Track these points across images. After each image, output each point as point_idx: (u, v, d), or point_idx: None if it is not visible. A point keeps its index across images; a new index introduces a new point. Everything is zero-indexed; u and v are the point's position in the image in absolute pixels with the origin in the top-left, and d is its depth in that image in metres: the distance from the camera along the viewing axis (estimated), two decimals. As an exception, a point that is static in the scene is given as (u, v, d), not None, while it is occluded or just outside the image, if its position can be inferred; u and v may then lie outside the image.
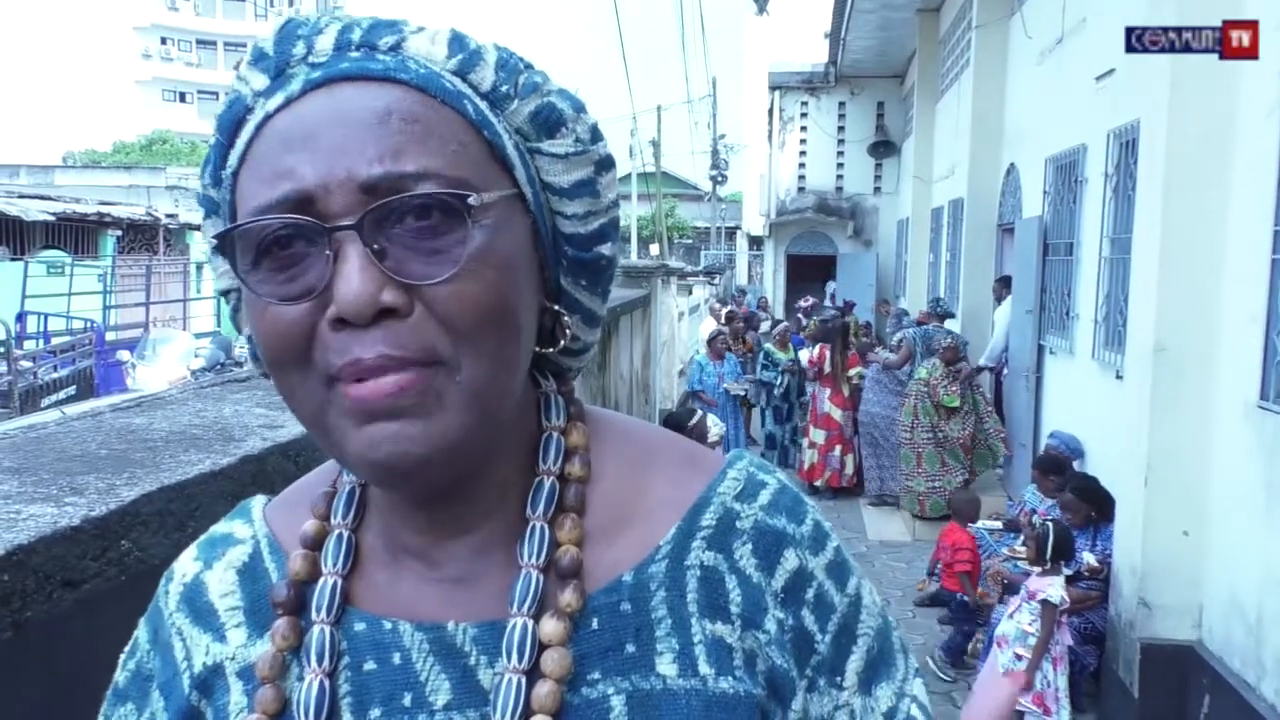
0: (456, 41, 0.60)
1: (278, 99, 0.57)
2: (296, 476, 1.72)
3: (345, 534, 0.67)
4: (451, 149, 0.56)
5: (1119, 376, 5.34)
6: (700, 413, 6.63)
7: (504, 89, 0.60)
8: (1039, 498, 6.02)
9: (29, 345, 14.70)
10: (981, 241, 9.64)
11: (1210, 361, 4.32)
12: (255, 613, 0.67)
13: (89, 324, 16.05)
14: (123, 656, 0.72)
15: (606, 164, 0.65)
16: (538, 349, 0.65)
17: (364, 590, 0.65)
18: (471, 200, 0.55)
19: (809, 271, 19.52)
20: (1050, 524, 4.81)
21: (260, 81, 0.59)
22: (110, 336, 16.45)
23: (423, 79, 0.57)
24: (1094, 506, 5.20)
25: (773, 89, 19.41)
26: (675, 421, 7.02)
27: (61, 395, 12.51)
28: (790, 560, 0.65)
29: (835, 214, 18.88)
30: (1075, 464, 6.09)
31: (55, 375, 13.21)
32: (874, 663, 0.68)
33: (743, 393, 9.94)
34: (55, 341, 15.11)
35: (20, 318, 15.08)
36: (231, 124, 0.60)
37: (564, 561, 0.62)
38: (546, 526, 0.63)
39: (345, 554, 0.66)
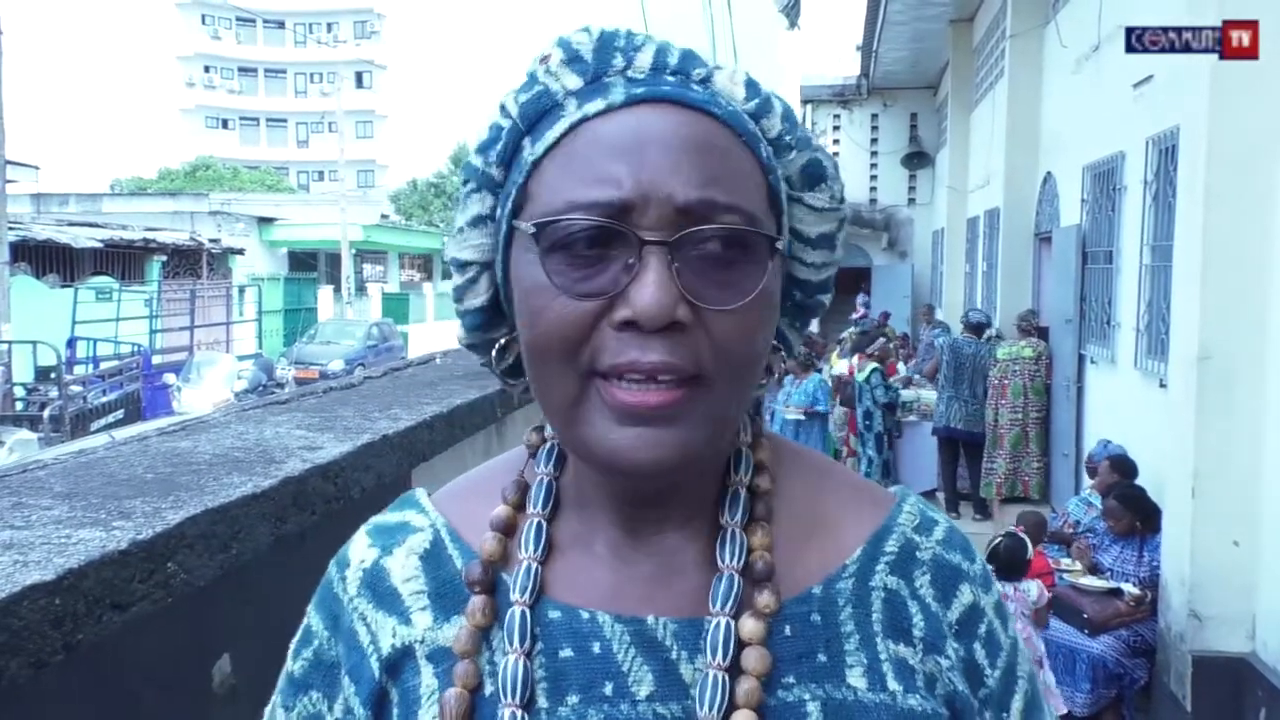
0: (752, 86, 0.65)
1: (598, 104, 0.61)
2: (336, 497, 1.75)
3: (542, 522, 0.69)
4: (750, 186, 0.61)
5: (1163, 385, 5.25)
6: None
7: (786, 139, 0.65)
8: (1082, 509, 5.92)
9: (79, 370, 15.03)
10: (1018, 251, 9.53)
11: (1258, 367, 4.23)
12: (441, 597, 0.68)
13: (136, 348, 16.38)
14: (293, 648, 0.73)
15: (846, 222, 0.70)
16: None
17: (557, 580, 0.67)
18: (780, 244, 0.60)
19: (844, 284, 19.40)
20: (1002, 539, 4.74)
21: (574, 82, 0.63)
22: (156, 360, 16.77)
23: (731, 116, 0.62)
24: (1138, 516, 5.11)
25: (805, 102, 19.35)
26: None
27: (110, 419, 12.75)
28: (965, 595, 0.68)
29: (869, 226, 18.75)
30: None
31: (104, 399, 13.47)
32: (1029, 706, 0.70)
33: (801, 418, 9.07)
34: (104, 366, 15.42)
35: (70, 343, 15.43)
36: (536, 113, 0.63)
37: (758, 566, 0.65)
38: (741, 533, 0.66)
39: (543, 542, 0.68)
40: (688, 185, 0.58)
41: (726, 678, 0.61)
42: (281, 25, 55.86)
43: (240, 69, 57.69)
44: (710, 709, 0.60)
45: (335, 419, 2.08)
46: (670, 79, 0.62)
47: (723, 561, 0.65)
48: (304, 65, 57.07)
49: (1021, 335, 8.02)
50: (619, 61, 0.63)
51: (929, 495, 9.31)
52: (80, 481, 1.43)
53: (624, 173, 0.58)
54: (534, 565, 0.67)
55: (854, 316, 16.17)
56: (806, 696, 0.63)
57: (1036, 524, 6.06)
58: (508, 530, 0.69)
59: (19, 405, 13.04)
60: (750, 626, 0.62)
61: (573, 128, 0.61)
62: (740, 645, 0.62)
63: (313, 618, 0.73)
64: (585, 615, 0.65)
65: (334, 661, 0.70)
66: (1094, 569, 5.30)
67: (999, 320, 9.48)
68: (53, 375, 13.54)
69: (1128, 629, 4.90)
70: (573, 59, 0.63)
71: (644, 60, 0.63)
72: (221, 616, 1.38)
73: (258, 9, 51.05)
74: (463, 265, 0.68)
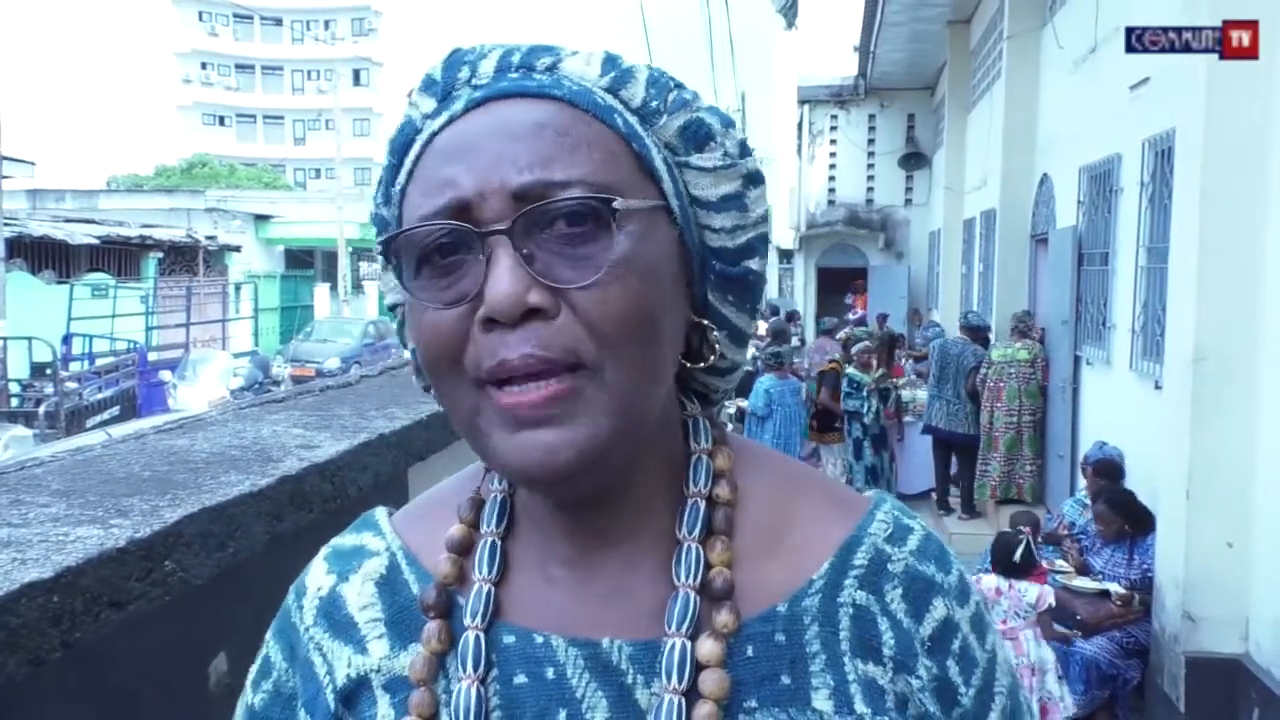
0: (610, 62, 0.64)
1: (442, 118, 0.62)
2: (333, 496, 1.75)
3: (496, 541, 0.67)
4: (599, 159, 0.59)
5: (1158, 387, 5.26)
6: None
7: (654, 104, 0.63)
8: (1077, 510, 5.94)
9: (74, 367, 14.99)
10: (1014, 252, 9.54)
11: (1252, 370, 4.25)
12: (397, 624, 0.67)
13: (132, 345, 16.35)
14: (252, 678, 0.72)
15: (755, 179, 0.67)
16: (686, 364, 0.66)
17: (512, 602, 0.65)
18: (616, 204, 0.57)
19: (841, 285, 19.42)
20: (1008, 534, 4.76)
21: (429, 105, 0.64)
22: (152, 357, 16.75)
23: (575, 94, 0.61)
24: (1127, 519, 5.12)
25: (802, 103, 19.37)
26: None
27: (106, 416, 12.73)
28: (939, 609, 0.65)
29: (866, 226, 18.78)
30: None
31: (100, 396, 13.44)
32: None
33: (733, 411, 8.87)
34: (100, 363, 15.39)
35: (66, 340, 15.40)
36: (402, 146, 0.64)
37: (717, 583, 0.62)
38: (699, 547, 0.63)
39: (498, 562, 0.66)
40: (520, 170, 0.57)
41: (684, 702, 0.59)
42: (279, 22, 55.77)
43: (237, 66, 57.57)
44: None
45: (332, 417, 2.08)
46: (513, 75, 0.62)
47: (678, 579, 0.62)
48: (301, 62, 56.96)
49: (1018, 337, 8.03)
50: (465, 74, 0.63)
51: (927, 495, 9.34)
52: (78, 479, 1.43)
53: (460, 173, 0.58)
54: (487, 587, 0.65)
55: (849, 316, 16.16)
56: None
57: (1031, 525, 6.08)
58: (463, 550, 0.67)
59: (14, 402, 13.04)
60: (708, 648, 0.60)
61: (424, 147, 0.61)
62: (698, 668, 0.60)
63: (271, 647, 0.71)
64: (539, 639, 0.63)
65: (291, 694, 0.69)
66: (1083, 568, 5.31)
67: (994, 321, 9.50)
68: (48, 372, 13.51)
69: (1120, 630, 4.91)
70: (427, 85, 0.64)
71: (488, 66, 0.63)
72: (218, 615, 1.38)
73: (255, 6, 50.95)
74: (393, 309, 0.69)
